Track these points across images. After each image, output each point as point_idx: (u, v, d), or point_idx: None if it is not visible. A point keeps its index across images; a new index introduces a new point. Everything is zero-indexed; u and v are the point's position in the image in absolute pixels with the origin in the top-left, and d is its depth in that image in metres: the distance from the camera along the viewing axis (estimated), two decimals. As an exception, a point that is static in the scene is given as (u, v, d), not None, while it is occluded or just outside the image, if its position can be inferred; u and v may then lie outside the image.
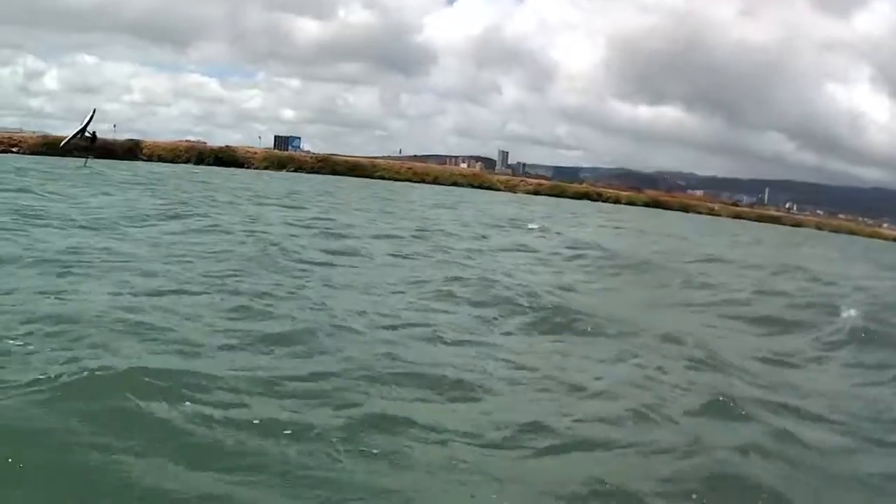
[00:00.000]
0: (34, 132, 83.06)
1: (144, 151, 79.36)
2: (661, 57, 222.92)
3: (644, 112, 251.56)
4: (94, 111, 56.22)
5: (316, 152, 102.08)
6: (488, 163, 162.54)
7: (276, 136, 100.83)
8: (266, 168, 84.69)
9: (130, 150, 77.81)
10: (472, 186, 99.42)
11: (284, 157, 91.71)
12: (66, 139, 60.55)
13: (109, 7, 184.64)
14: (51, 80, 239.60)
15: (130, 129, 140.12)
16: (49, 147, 75.17)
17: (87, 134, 55.38)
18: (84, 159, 54.04)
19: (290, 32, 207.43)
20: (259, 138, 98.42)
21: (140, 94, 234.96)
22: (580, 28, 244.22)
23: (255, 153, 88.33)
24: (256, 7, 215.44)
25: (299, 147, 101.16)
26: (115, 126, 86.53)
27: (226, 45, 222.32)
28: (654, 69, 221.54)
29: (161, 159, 78.57)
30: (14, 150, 75.33)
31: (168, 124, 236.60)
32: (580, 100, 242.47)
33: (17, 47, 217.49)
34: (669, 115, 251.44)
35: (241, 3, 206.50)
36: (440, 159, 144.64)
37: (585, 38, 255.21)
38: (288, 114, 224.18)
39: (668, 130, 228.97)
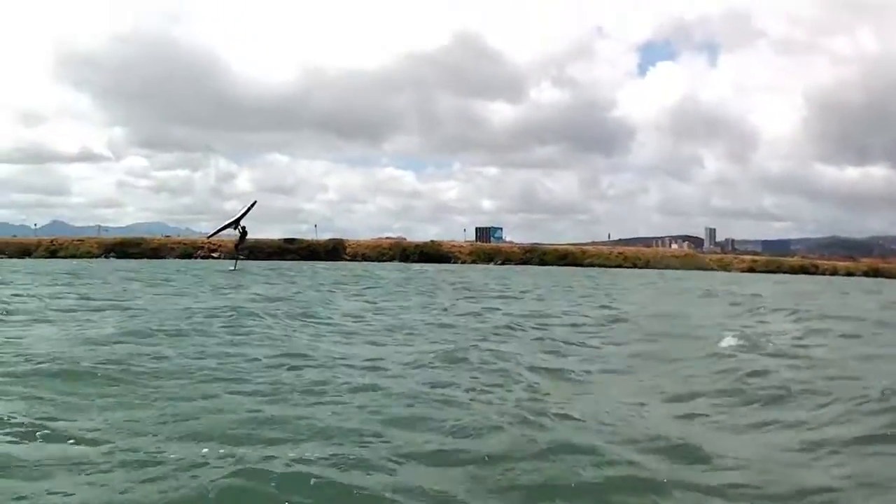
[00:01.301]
0: (234, 237, 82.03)
1: (348, 251, 76.78)
2: (862, 111, 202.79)
3: (851, 173, 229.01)
4: (254, 202, 50.45)
5: (519, 242, 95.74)
6: (695, 241, 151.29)
7: (477, 228, 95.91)
8: (473, 262, 79.40)
9: (334, 250, 75.37)
10: (686, 268, 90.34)
11: (491, 249, 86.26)
12: (215, 230, 56.00)
13: (298, 105, 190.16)
14: (243, 181, 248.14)
15: (329, 229, 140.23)
16: (249, 252, 73.52)
17: (239, 228, 47.95)
18: (233, 260, 49.40)
19: (483, 119, 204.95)
20: (464, 231, 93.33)
21: (335, 192, 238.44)
22: (776, 88, 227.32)
23: (461, 247, 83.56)
24: (447, 96, 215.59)
25: (501, 238, 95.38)
26: (315, 226, 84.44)
27: (418, 137, 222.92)
28: (856, 125, 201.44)
29: (365, 258, 75.26)
30: (215, 255, 74.08)
31: (366, 221, 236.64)
32: (783, 166, 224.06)
33: (208, 150, 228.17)
34: (878, 174, 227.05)
35: (431, 93, 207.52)
36: (646, 241, 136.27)
37: (783, 99, 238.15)
38: (487, 204, 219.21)
39: (877, 191, 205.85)
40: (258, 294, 23.13)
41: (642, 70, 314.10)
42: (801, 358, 11.98)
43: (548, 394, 8.70)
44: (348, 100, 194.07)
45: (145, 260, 67.78)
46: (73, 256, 76.18)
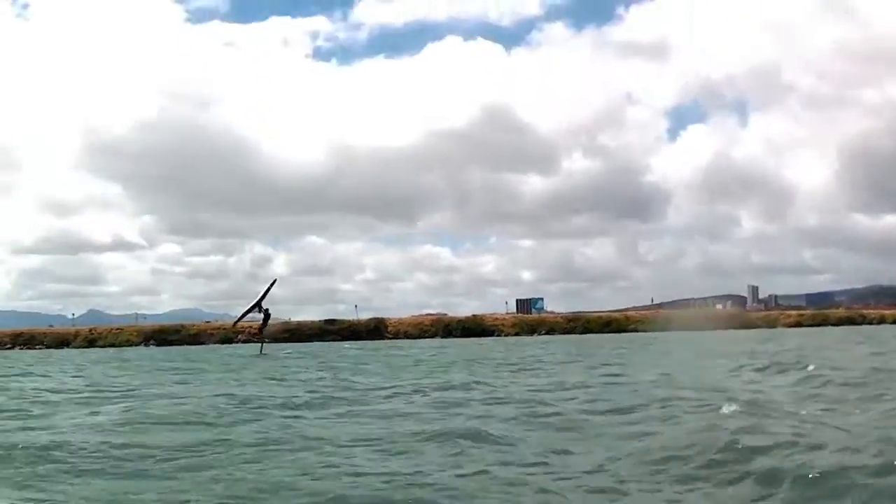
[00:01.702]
0: (273, 320, 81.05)
1: (389, 329, 75.43)
2: (894, 159, 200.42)
3: (888, 220, 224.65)
4: (273, 281, 48.89)
5: (561, 311, 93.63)
6: (739, 300, 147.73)
7: (517, 300, 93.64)
8: (517, 334, 77.55)
9: (375, 329, 74.11)
10: (732, 327, 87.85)
11: (534, 320, 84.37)
12: (239, 316, 53.91)
13: (330, 185, 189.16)
14: (279, 265, 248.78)
15: (368, 308, 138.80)
16: (291, 334, 72.35)
17: (261, 310, 45.92)
18: (259, 343, 46.53)
19: (516, 192, 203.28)
20: (506, 303, 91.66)
21: (373, 272, 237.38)
22: (808, 142, 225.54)
23: (504, 320, 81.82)
24: (479, 170, 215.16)
25: (543, 308, 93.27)
26: (356, 306, 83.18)
27: (452, 213, 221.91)
28: (889, 173, 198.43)
29: (407, 335, 73.85)
30: (254, 339, 73.00)
31: (404, 299, 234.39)
32: (820, 219, 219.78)
33: (242, 236, 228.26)
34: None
35: (463, 169, 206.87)
36: (689, 303, 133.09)
37: (815, 152, 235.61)
38: (526, 275, 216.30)
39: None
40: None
41: (673, 133, 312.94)
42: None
43: None
44: (380, 179, 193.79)
45: (185, 346, 66.78)
46: (113, 345, 75.50)
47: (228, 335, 71.23)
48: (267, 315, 46.02)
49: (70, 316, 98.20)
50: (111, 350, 65.77)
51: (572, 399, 14.56)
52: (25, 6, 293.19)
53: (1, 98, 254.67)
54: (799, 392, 14.45)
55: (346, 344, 62.66)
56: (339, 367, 28.25)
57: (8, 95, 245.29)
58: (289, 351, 47.90)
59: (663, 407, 12.32)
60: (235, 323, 55.34)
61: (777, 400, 13.07)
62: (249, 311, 47.17)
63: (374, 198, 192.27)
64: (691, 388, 14.78)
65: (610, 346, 42.78)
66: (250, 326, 74.31)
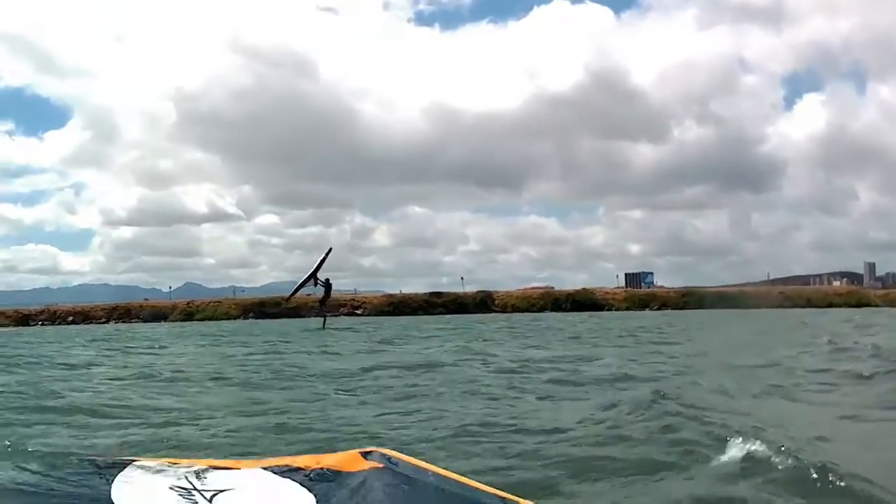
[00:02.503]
0: (376, 292, 78.35)
1: (497, 302, 71.87)
2: None
3: None
4: (329, 250, 43.15)
5: (670, 286, 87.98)
6: (854, 277, 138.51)
7: (626, 274, 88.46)
8: (627, 308, 72.74)
9: (482, 302, 70.73)
10: (849, 306, 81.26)
11: (645, 294, 79.28)
12: (294, 289, 49.02)
13: (434, 154, 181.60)
14: (381, 235, 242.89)
15: (473, 280, 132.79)
16: (395, 307, 69.17)
17: (318, 281, 41.31)
18: (321, 318, 42.28)
19: (626, 161, 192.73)
20: (616, 277, 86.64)
21: (477, 243, 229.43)
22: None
23: (615, 294, 77.02)
24: (587, 138, 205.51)
25: (652, 283, 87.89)
26: (462, 278, 79.71)
27: (560, 182, 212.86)
28: None
29: (515, 309, 70.00)
30: (358, 311, 70.16)
31: (510, 271, 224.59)
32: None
33: (343, 205, 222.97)
34: None
35: (571, 136, 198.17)
36: (803, 279, 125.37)
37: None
38: (634, 248, 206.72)
39: None
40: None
41: (788, 102, 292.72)
42: None
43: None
44: (484, 146, 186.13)
45: (286, 319, 64.30)
46: (211, 319, 73.86)
47: (331, 307, 68.58)
48: (328, 286, 42.14)
49: (166, 290, 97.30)
50: (212, 324, 63.94)
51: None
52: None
53: (94, 66, 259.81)
54: None
55: (450, 317, 59.10)
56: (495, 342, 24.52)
57: (101, 63, 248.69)
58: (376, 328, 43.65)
59: None
60: (290, 297, 50.89)
61: None
62: (304, 283, 42.80)
63: (479, 166, 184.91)
64: None
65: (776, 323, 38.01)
66: (352, 299, 71.98)
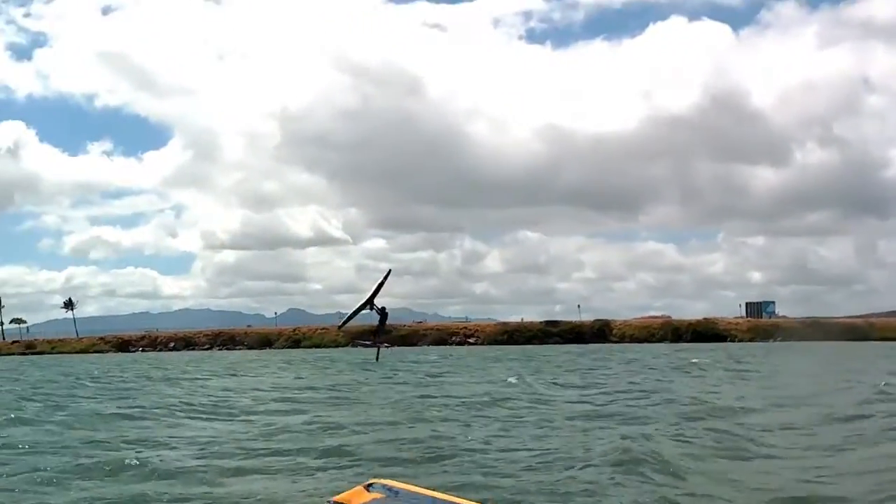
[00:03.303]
0: (487, 319, 76.23)
1: (615, 332, 68.77)
2: None
3: None
4: (388, 272, 39.42)
5: (793, 316, 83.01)
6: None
7: (747, 303, 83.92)
8: (751, 339, 68.74)
9: (600, 332, 67.88)
10: None
11: (769, 325, 74.75)
12: (346, 317, 45.38)
13: (548, 178, 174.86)
14: (492, 261, 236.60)
15: (587, 309, 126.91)
16: (510, 336, 66.83)
17: (374, 307, 38.36)
18: (375, 348, 38.36)
19: (745, 185, 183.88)
20: (739, 307, 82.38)
21: (592, 270, 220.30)
22: None
23: (738, 324, 73.12)
24: (705, 161, 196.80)
25: (773, 312, 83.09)
26: (579, 306, 77.19)
27: (678, 207, 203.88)
28: None
29: (633, 339, 66.90)
30: (471, 340, 68.03)
31: (626, 300, 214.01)
32: None
33: (453, 230, 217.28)
34: None
35: (689, 160, 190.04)
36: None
37: None
38: (755, 276, 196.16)
39: None
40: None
41: None
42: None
43: None
44: (599, 169, 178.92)
45: (394, 348, 62.76)
46: (317, 346, 72.90)
47: (442, 336, 66.80)
48: (384, 314, 38.38)
49: (270, 315, 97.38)
50: (317, 351, 62.99)
51: None
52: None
53: (194, 84, 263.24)
54: None
55: (567, 347, 56.51)
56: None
57: (201, 82, 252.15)
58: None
59: None
60: (342, 325, 45.44)
61: None
62: (359, 310, 39.15)
63: (593, 190, 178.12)
64: None
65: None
66: (465, 328, 70.04)
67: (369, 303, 32.37)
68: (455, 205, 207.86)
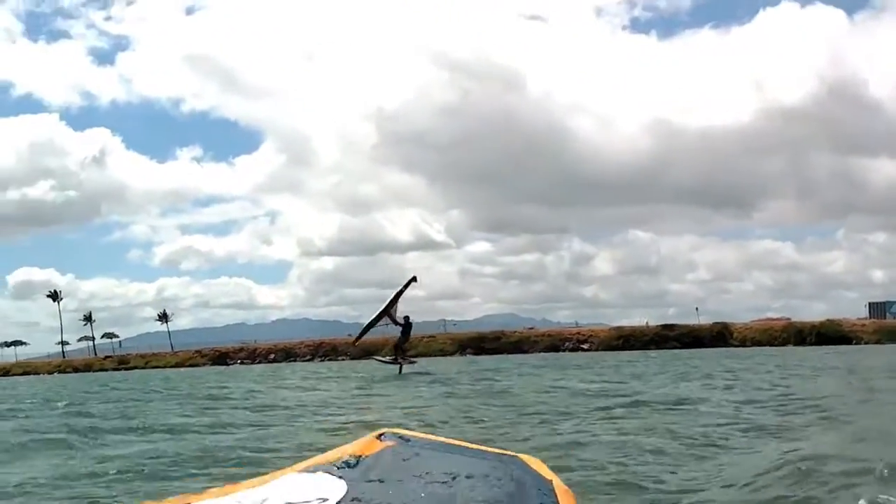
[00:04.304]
0: (597, 324, 74.63)
1: (735, 336, 66.45)
2: None
3: None
4: (412, 279, 34.04)
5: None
6: None
7: (870, 303, 79.92)
8: (878, 341, 65.15)
9: (719, 335, 65.70)
10: None
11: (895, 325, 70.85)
12: (362, 329, 37.58)
13: (657, 175, 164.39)
14: (602, 262, 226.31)
15: (703, 312, 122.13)
16: (624, 341, 65.07)
17: (395, 318, 32.32)
18: (397, 363, 32.27)
19: (866, 178, 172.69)
20: (865, 307, 78.47)
21: (706, 270, 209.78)
22: None
23: (863, 325, 69.57)
24: (822, 154, 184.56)
25: (899, 313, 78.78)
26: (697, 308, 74.83)
27: (794, 202, 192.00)
28: None
29: (755, 342, 64.43)
30: (584, 346, 66.54)
31: (742, 301, 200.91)
32: None
33: (560, 230, 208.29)
34: None
35: (805, 153, 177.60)
36: None
37: None
38: (878, 274, 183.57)
39: None
40: None
41: None
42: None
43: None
44: (710, 164, 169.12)
45: (506, 355, 61.71)
46: (424, 355, 72.45)
47: (554, 342, 65.55)
48: (407, 325, 32.54)
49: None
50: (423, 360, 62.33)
51: None
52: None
53: (284, 86, 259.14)
54: None
55: (688, 352, 54.35)
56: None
57: (292, 82, 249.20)
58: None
59: None
60: (357, 339, 39.42)
61: None
62: (376, 321, 33.48)
63: (705, 186, 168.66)
64: None
65: None
66: (578, 333, 68.54)
67: (386, 313, 30.09)
68: (561, 204, 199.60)
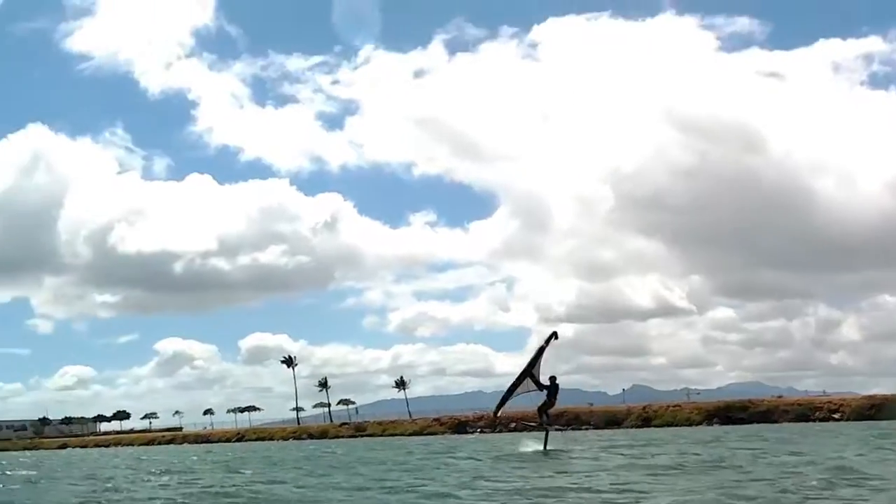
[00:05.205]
0: (845, 393, 72.42)
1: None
2: None
3: None
4: (552, 334, 29.46)
5: None
6: None
7: None
8: None
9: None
10: None
11: None
12: (502, 397, 30.13)
13: None
14: (849, 328, 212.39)
15: None
16: (877, 411, 63.03)
17: (540, 383, 28.13)
18: (543, 428, 28.69)
19: None
20: None
21: None
22: None
23: None
24: None
25: None
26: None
27: None
28: None
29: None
30: (835, 416, 65.09)
31: None
32: None
33: (805, 295, 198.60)
34: None
35: None
36: None
37: None
38: None
39: None
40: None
41: None
42: None
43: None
44: None
45: (755, 425, 61.80)
46: (670, 424, 73.43)
47: (804, 411, 64.92)
48: (554, 385, 28.29)
49: (612, 392, 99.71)
50: (672, 429, 63.40)
51: None
52: (534, 45, 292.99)
53: (518, 149, 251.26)
54: None
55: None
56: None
57: (526, 145, 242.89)
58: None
59: None
60: (498, 408, 30.64)
61: None
62: (517, 384, 28.52)
63: None
64: None
65: None
66: (829, 401, 67.15)
67: (528, 374, 26.20)
68: (804, 268, 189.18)
